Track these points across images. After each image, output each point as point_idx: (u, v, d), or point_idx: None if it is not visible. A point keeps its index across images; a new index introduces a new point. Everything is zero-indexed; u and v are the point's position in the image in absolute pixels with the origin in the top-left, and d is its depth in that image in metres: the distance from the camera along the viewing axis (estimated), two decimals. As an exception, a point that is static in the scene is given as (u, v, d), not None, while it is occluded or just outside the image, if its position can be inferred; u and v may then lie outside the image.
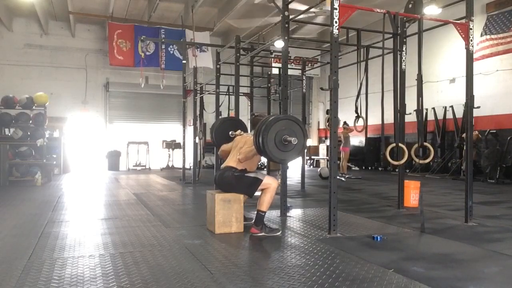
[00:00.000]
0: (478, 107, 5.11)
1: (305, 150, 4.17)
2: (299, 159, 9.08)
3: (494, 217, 5.48)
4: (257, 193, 4.50)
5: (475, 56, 10.75)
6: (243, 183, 4.42)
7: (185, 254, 3.62)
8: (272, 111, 10.25)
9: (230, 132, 5.12)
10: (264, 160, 11.47)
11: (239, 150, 4.56)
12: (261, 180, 4.39)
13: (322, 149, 16.57)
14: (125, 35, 14.56)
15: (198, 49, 14.80)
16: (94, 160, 15.22)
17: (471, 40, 5.01)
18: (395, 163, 5.23)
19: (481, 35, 10.90)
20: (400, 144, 5.21)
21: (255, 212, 4.41)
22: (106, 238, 4.24)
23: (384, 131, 5.19)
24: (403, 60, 5.86)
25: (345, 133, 11.68)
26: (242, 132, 4.97)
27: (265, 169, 11.40)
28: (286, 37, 5.48)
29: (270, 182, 4.41)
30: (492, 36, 10.73)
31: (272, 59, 13.60)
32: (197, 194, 8.16)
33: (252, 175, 4.44)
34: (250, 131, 5.52)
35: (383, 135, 5.18)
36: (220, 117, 8.29)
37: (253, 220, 4.46)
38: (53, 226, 4.81)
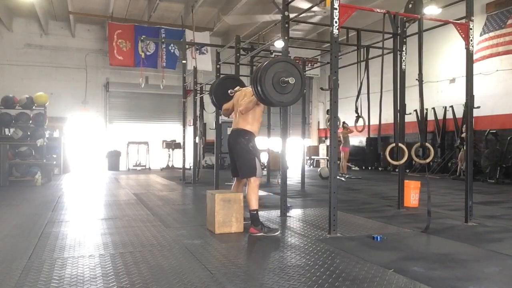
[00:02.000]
0: (478, 107, 5.11)
1: (302, 95, 4.06)
2: (299, 159, 9.10)
3: (494, 217, 5.48)
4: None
5: (475, 57, 10.78)
6: (248, 161, 4.44)
7: (185, 254, 3.62)
8: (272, 111, 10.24)
9: (229, 91, 5.00)
10: (264, 160, 11.49)
11: (239, 103, 4.56)
12: (255, 175, 4.42)
13: (322, 149, 16.57)
14: (125, 35, 14.56)
15: (198, 51, 14.80)
16: (94, 160, 15.22)
17: (471, 40, 5.01)
18: (395, 163, 5.23)
19: (480, 35, 10.90)
20: (400, 144, 5.21)
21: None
22: (106, 238, 4.24)
23: (381, 131, 5.19)
24: (403, 60, 5.87)
25: (345, 133, 11.69)
26: (241, 88, 4.93)
27: (265, 169, 11.39)
28: (286, 37, 5.48)
29: (255, 179, 4.44)
30: (490, 35, 10.72)
31: (272, 59, 13.59)
32: (197, 194, 8.16)
33: (257, 165, 4.45)
34: None
35: (379, 135, 5.18)
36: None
37: (250, 221, 4.46)
38: (53, 226, 4.81)
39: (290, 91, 4.10)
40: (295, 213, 5.75)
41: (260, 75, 3.99)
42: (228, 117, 5.31)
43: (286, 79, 4.00)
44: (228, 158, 5.01)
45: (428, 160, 5.01)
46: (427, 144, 5.12)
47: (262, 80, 3.97)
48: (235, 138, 4.57)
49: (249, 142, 4.48)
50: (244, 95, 4.64)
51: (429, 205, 4.62)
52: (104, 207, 6.40)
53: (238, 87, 4.96)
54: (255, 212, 4.37)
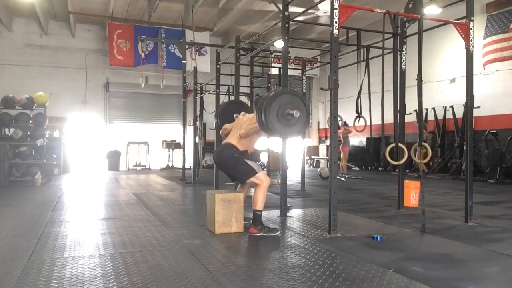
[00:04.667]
0: (478, 107, 5.10)
1: (306, 128, 4.15)
2: (299, 159, 9.10)
3: (494, 217, 5.48)
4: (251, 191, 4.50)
5: (482, 61, 10.79)
6: (239, 167, 4.41)
7: (185, 254, 3.62)
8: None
9: (235, 115, 5.03)
10: (264, 160, 11.49)
11: (241, 126, 4.55)
12: (256, 172, 4.38)
13: (322, 149, 16.58)
14: (125, 35, 14.57)
15: (197, 52, 14.82)
16: (94, 160, 15.22)
17: (471, 40, 5.01)
18: (395, 163, 5.23)
19: (484, 38, 10.89)
20: (399, 144, 5.21)
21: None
22: (106, 238, 4.24)
23: (384, 131, 5.19)
24: (403, 60, 5.87)
25: (344, 133, 11.69)
26: (246, 114, 4.94)
27: (265, 169, 11.39)
28: (286, 37, 5.48)
29: (263, 179, 4.40)
30: (494, 38, 10.72)
31: (272, 59, 13.60)
32: (197, 194, 8.16)
33: (250, 164, 4.42)
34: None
35: (383, 135, 5.18)
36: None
37: (251, 220, 4.46)
38: (53, 226, 4.81)
39: (294, 123, 4.11)
40: (295, 213, 5.76)
41: (265, 105, 3.99)
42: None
43: (291, 112, 4.00)
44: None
45: (425, 161, 5.01)
46: (424, 144, 5.11)
47: (267, 111, 3.97)
48: (220, 152, 4.56)
49: (232, 152, 4.43)
50: (247, 119, 4.62)
51: (423, 206, 4.64)
52: (104, 207, 6.40)
53: (243, 112, 4.99)
54: (260, 212, 4.37)
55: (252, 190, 4.60)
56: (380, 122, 5.14)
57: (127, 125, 16.11)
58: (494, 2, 11.03)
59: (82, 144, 15.31)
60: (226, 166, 4.50)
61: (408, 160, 5.27)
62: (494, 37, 10.71)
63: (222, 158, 4.50)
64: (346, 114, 11.30)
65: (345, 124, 11.71)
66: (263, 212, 4.43)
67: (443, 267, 3.24)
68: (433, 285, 2.82)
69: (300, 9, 6.26)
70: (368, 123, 5.76)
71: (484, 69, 10.88)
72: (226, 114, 5.38)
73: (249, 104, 7.76)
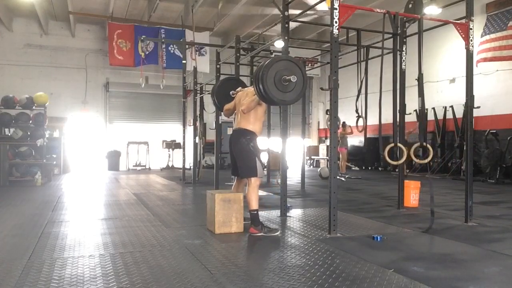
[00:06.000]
0: (478, 107, 5.10)
1: (303, 95, 4.10)
2: (299, 159, 9.09)
3: (494, 217, 5.48)
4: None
5: (476, 58, 10.77)
6: (248, 162, 4.45)
7: (185, 254, 3.62)
8: (272, 111, 10.24)
9: (231, 92, 5.01)
10: (264, 160, 11.48)
11: (241, 103, 4.57)
12: (256, 175, 4.43)
13: (322, 149, 16.58)
14: (125, 35, 14.56)
15: (197, 53, 14.81)
16: (94, 160, 15.22)
17: (471, 40, 5.01)
18: (394, 163, 5.22)
19: (481, 36, 10.89)
20: (399, 144, 5.20)
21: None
22: (106, 238, 4.24)
23: (381, 131, 5.19)
24: (403, 60, 5.87)
25: (343, 134, 11.68)
26: (243, 89, 4.93)
27: (265, 169, 11.39)
28: (286, 37, 5.48)
29: (256, 179, 4.45)
30: (492, 36, 10.71)
31: (272, 59, 13.59)
32: (197, 194, 8.16)
33: (257, 165, 4.45)
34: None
35: (380, 135, 5.18)
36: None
37: (250, 221, 4.46)
38: (53, 226, 4.81)
39: (292, 89, 4.10)
40: (295, 213, 5.75)
41: (262, 73, 3.99)
42: (229, 117, 5.30)
43: (288, 77, 3.99)
44: (228, 158, 5.01)
45: (426, 161, 5.01)
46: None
47: (264, 78, 3.97)
48: (236, 138, 4.57)
49: (249, 142, 4.47)
50: (246, 94, 4.64)
51: (433, 205, 4.62)
52: (104, 207, 6.40)
53: (240, 88, 4.96)
54: (255, 212, 4.37)
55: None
56: (381, 122, 5.15)
57: (127, 125, 16.10)
58: (494, 2, 11.02)
59: (82, 144, 15.30)
60: (239, 154, 4.52)
61: (408, 161, 5.27)
62: (492, 35, 10.69)
63: (238, 145, 4.51)
64: (346, 114, 11.29)
65: (343, 125, 11.71)
66: (263, 212, 4.44)
67: (443, 267, 3.24)
68: (433, 285, 2.82)
69: (299, 11, 6.25)
70: (368, 123, 5.76)
71: (477, 66, 10.86)
72: (222, 91, 5.30)
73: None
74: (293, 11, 5.81)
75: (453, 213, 5.68)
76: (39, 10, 13.06)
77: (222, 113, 5.27)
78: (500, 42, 10.52)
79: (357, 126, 5.93)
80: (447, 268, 3.22)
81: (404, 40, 5.91)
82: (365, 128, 5.73)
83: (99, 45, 15.65)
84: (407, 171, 10.73)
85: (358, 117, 5.94)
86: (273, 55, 12.04)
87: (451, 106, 11.93)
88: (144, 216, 5.56)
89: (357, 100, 5.86)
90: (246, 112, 4.48)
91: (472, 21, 4.99)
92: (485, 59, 10.82)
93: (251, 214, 4.37)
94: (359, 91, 5.87)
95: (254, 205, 4.38)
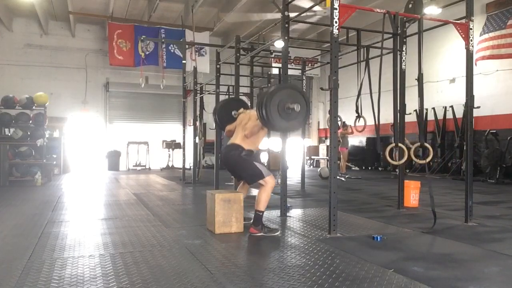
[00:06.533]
0: (478, 107, 5.10)
1: (306, 123, 4.17)
2: (299, 159, 9.10)
3: (494, 217, 5.48)
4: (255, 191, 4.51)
5: (474, 57, 10.76)
6: (247, 169, 4.44)
7: (185, 254, 3.62)
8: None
9: (233, 112, 5.06)
10: (264, 160, 11.48)
11: (244, 126, 4.57)
12: (264, 176, 4.41)
13: (322, 149, 16.57)
14: (125, 35, 14.56)
15: (197, 53, 14.81)
16: (94, 160, 15.22)
17: (471, 40, 5.01)
18: (394, 163, 5.22)
19: (480, 35, 10.89)
20: (399, 144, 5.20)
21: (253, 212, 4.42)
22: (106, 238, 4.24)
23: (379, 131, 5.19)
24: (403, 60, 5.87)
25: (343, 133, 11.68)
26: (246, 110, 4.95)
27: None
28: (286, 37, 5.48)
29: (268, 181, 4.42)
30: (490, 35, 10.72)
31: (272, 59, 13.61)
32: (197, 194, 8.16)
33: (259, 167, 4.44)
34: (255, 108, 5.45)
35: (378, 135, 5.18)
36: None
37: (252, 220, 4.46)
38: (53, 226, 4.81)
39: (295, 118, 4.12)
40: (295, 213, 5.75)
41: (266, 100, 4.00)
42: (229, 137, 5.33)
43: (292, 106, 4.01)
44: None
45: (426, 161, 5.01)
46: (425, 144, 5.12)
47: (268, 106, 3.98)
48: (227, 153, 4.58)
49: (240, 153, 4.46)
50: (248, 118, 4.64)
51: (433, 205, 4.62)
52: (104, 207, 6.40)
53: (242, 109, 5.01)
54: (261, 213, 4.37)
55: (253, 190, 4.61)
56: (381, 122, 5.14)
57: (127, 125, 16.11)
58: (494, 2, 11.02)
59: (82, 144, 15.30)
60: (235, 167, 4.54)
61: (408, 161, 5.26)
62: (491, 34, 10.70)
63: (231, 159, 4.51)
64: (346, 114, 11.29)
65: (343, 124, 11.71)
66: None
67: (443, 267, 3.24)
68: (433, 285, 2.82)
69: (298, 12, 6.25)
70: (368, 123, 5.76)
71: (476, 65, 10.86)
72: (224, 111, 5.35)
73: (248, 104, 7.73)
74: (293, 13, 5.80)
75: (453, 213, 5.68)
76: (39, 10, 13.06)
77: (223, 133, 5.29)
78: (499, 41, 10.53)
79: (355, 126, 5.93)
80: (447, 268, 3.22)
81: (404, 40, 5.91)
82: (376, 126, 5.71)
83: (99, 45, 15.65)
84: (407, 171, 10.75)
85: (357, 117, 5.94)
86: (273, 55, 12.08)
87: (451, 106, 11.94)
88: (144, 216, 5.56)
89: (357, 100, 5.85)
90: (249, 137, 4.49)
91: (472, 21, 4.98)
92: (483, 57, 10.83)
93: (256, 213, 4.37)
94: (359, 91, 5.87)
95: (262, 206, 4.38)
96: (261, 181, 4.42)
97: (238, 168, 4.51)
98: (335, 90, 4.30)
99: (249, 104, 9.54)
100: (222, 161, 4.68)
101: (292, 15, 5.70)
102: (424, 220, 5.11)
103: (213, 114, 5.61)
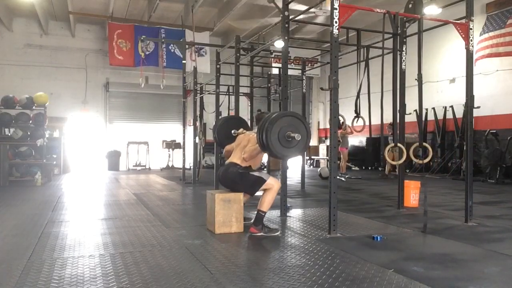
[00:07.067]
0: (478, 107, 5.11)
1: (306, 150, 4.23)
2: (300, 158, 9.09)
3: (494, 217, 5.48)
4: (259, 193, 4.51)
5: (474, 56, 10.75)
6: (246, 181, 4.44)
7: (185, 254, 3.62)
8: (272, 110, 10.23)
9: (232, 131, 5.11)
10: (264, 160, 11.49)
11: (243, 149, 4.58)
12: (265, 180, 4.41)
13: (322, 149, 16.58)
14: (125, 35, 14.56)
15: (197, 53, 14.81)
16: (94, 160, 15.22)
17: (471, 40, 5.01)
18: (394, 163, 5.22)
19: (480, 34, 10.89)
20: (399, 144, 5.21)
21: (255, 212, 4.42)
22: (106, 238, 4.24)
23: (383, 132, 5.19)
24: (403, 60, 5.87)
25: (343, 133, 11.68)
26: (245, 131, 4.99)
27: (265, 169, 11.39)
28: (286, 37, 5.48)
29: (273, 183, 4.43)
30: (490, 34, 10.72)
31: (272, 59, 13.60)
32: (197, 194, 8.16)
33: (256, 174, 4.46)
34: (254, 127, 5.51)
35: (382, 135, 5.18)
36: (221, 116, 8.28)
37: (253, 220, 4.46)
38: (53, 226, 4.81)
39: (295, 145, 4.13)
40: (295, 213, 5.76)
41: (267, 127, 4.02)
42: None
43: (292, 135, 4.02)
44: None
45: (426, 161, 5.02)
46: (425, 144, 5.12)
47: (268, 133, 4.00)
48: (225, 171, 4.59)
49: (237, 170, 4.47)
50: (248, 140, 4.65)
51: (426, 206, 4.62)
52: (104, 207, 6.40)
53: (241, 129, 5.03)
54: (264, 214, 4.38)
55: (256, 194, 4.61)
56: (380, 122, 5.15)
57: (127, 125, 16.10)
58: (494, 2, 11.02)
59: (82, 144, 15.30)
60: (234, 184, 4.53)
61: (407, 161, 5.27)
62: (491, 33, 10.71)
63: (229, 177, 4.53)
64: (346, 114, 11.28)
65: (343, 124, 11.69)
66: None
67: (443, 267, 3.24)
68: (433, 285, 2.82)
69: (301, 9, 6.25)
70: (367, 123, 5.76)
71: (475, 64, 10.87)
72: (224, 129, 5.44)
73: (247, 121, 7.66)
74: (295, 5, 5.80)
75: (453, 213, 5.68)
76: (39, 10, 13.06)
77: (222, 152, 5.31)
78: (498, 40, 10.54)
79: (352, 125, 5.93)
80: (447, 268, 3.22)
81: (404, 40, 5.91)
82: (369, 127, 5.72)
83: (99, 45, 15.65)
84: (407, 171, 10.75)
85: (356, 117, 5.94)
86: (273, 55, 12.08)
87: (451, 106, 11.93)
88: (144, 216, 5.56)
89: (356, 100, 5.86)
90: (248, 160, 4.51)
91: (472, 21, 4.98)
92: (483, 56, 10.84)
93: (259, 213, 4.37)
94: (359, 91, 5.87)
95: (266, 207, 4.37)
96: (263, 186, 4.41)
97: (238, 184, 4.50)
98: (335, 90, 4.30)
99: (246, 122, 9.56)
100: (221, 180, 4.69)
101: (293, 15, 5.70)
102: (424, 220, 5.10)
103: (212, 132, 5.67)
